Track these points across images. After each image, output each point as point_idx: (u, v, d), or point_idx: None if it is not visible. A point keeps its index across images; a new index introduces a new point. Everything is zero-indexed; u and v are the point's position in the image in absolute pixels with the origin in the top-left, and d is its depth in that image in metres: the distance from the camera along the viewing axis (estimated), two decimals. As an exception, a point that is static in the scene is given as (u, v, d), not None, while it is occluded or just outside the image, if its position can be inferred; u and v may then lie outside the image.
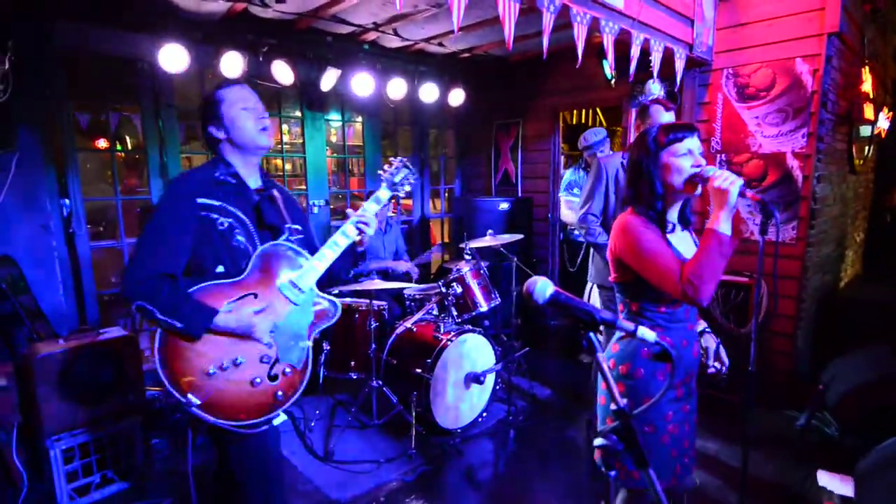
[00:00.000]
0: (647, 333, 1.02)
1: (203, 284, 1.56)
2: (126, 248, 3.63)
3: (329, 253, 1.71)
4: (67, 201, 3.29)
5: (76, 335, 2.73)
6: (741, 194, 1.48)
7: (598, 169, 2.98)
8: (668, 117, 2.76)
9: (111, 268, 3.96)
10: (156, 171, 3.68)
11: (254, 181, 1.75)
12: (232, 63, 3.36)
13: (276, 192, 1.78)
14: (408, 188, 1.92)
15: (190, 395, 1.50)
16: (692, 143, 1.56)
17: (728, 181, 1.46)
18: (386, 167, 1.88)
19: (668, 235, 1.60)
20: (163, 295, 1.48)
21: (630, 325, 1.02)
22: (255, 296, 1.61)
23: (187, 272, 1.59)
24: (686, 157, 1.55)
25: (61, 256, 3.27)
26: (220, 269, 1.60)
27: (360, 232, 1.76)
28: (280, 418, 1.69)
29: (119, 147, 4.76)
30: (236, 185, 1.67)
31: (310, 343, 1.73)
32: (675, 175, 1.55)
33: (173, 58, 3.12)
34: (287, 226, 1.73)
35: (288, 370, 1.66)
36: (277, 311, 1.64)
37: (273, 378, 1.63)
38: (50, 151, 3.20)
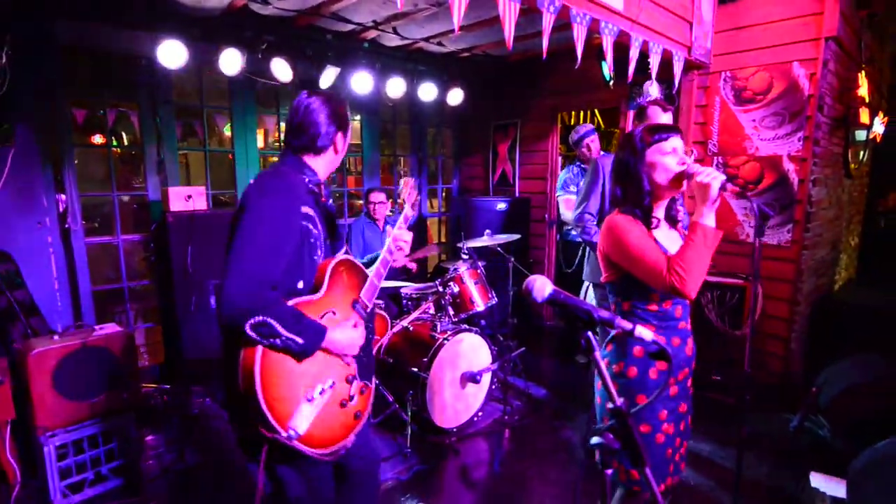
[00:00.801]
0: (644, 332, 1.02)
1: (292, 301, 1.42)
2: (122, 244, 3.62)
3: (383, 270, 1.66)
4: (64, 197, 3.28)
5: (71, 331, 2.72)
6: (723, 188, 1.53)
7: (595, 168, 3.00)
8: (665, 118, 2.77)
9: (107, 264, 3.95)
10: (152, 168, 3.66)
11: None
12: (231, 60, 3.36)
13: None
14: (414, 199, 1.92)
15: (291, 427, 1.35)
16: (676, 142, 1.62)
17: (710, 176, 1.52)
18: (401, 189, 1.89)
19: (655, 231, 1.64)
20: (282, 308, 1.32)
21: (628, 325, 1.03)
22: (334, 313, 1.52)
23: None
24: (671, 155, 1.60)
25: (57, 252, 3.26)
26: (301, 284, 1.48)
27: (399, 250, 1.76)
28: (350, 440, 1.58)
29: (115, 143, 4.75)
30: (317, 195, 1.56)
31: (373, 359, 1.69)
32: (661, 173, 1.61)
33: (172, 54, 3.11)
34: (342, 234, 1.70)
35: (363, 389, 1.60)
36: (352, 327, 1.56)
37: (351, 398, 1.56)
38: (46, 147, 3.19)
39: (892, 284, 4.61)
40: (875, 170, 5.60)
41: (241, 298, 1.27)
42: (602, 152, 3.97)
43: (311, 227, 1.48)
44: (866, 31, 4.07)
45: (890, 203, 5.65)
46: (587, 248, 3.13)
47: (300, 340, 1.33)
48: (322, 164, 1.60)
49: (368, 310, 1.62)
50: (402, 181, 1.90)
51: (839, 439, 2.95)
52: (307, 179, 1.53)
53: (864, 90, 3.94)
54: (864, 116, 3.98)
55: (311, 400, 1.41)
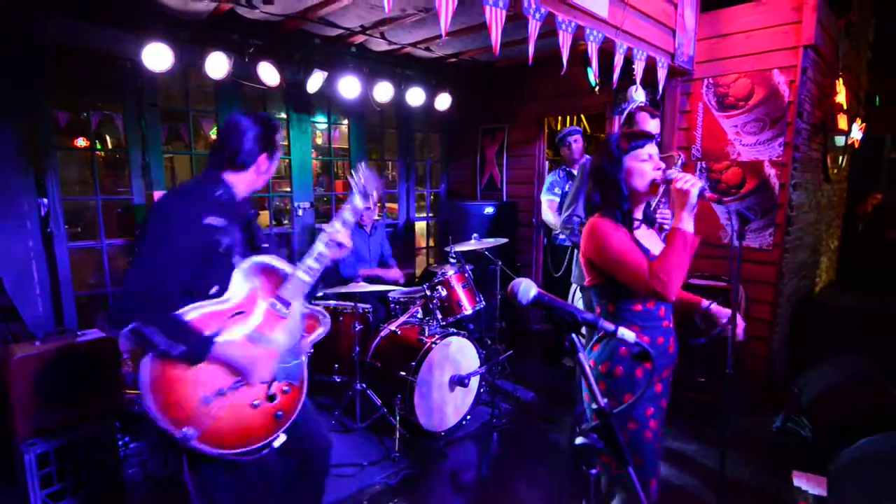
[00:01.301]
0: (626, 334, 1.04)
1: (196, 305, 1.48)
2: (106, 249, 3.57)
3: (315, 265, 1.65)
4: (45, 200, 3.23)
5: (53, 337, 2.67)
6: (701, 195, 1.57)
7: (583, 172, 3.03)
8: (654, 124, 2.83)
9: (90, 269, 3.89)
10: (137, 172, 3.63)
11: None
12: (217, 63, 3.34)
13: (254, 213, 1.78)
14: (376, 195, 1.89)
15: (186, 429, 1.40)
16: (651, 149, 1.67)
17: (689, 183, 1.56)
18: (357, 174, 1.82)
19: (636, 232, 1.68)
20: (163, 318, 1.39)
21: (610, 326, 1.05)
22: (244, 313, 1.56)
23: (181, 294, 1.51)
24: (647, 162, 1.65)
25: (38, 257, 3.21)
26: (215, 289, 1.54)
27: (339, 246, 1.70)
28: (280, 439, 1.62)
29: (99, 146, 4.69)
30: (232, 206, 1.63)
31: (304, 358, 1.69)
32: (638, 178, 1.65)
33: (157, 57, 3.09)
34: (266, 245, 1.73)
35: (286, 388, 1.61)
36: (269, 327, 1.59)
37: (271, 398, 1.57)
38: (27, 149, 3.14)
39: (870, 286, 4.72)
40: (853, 175, 5.74)
41: (126, 306, 1.37)
42: (588, 156, 4.01)
43: (218, 237, 1.53)
44: (843, 40, 4.18)
45: (868, 208, 5.78)
46: (575, 252, 3.16)
47: (178, 350, 1.38)
48: (242, 182, 1.65)
49: (291, 307, 1.62)
50: (359, 168, 1.81)
51: (821, 439, 3.00)
52: (218, 192, 1.59)
53: (841, 97, 4.04)
54: (843, 122, 4.08)
55: (208, 402, 1.44)
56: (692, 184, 1.56)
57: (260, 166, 1.65)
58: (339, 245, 1.68)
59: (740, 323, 1.81)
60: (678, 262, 1.53)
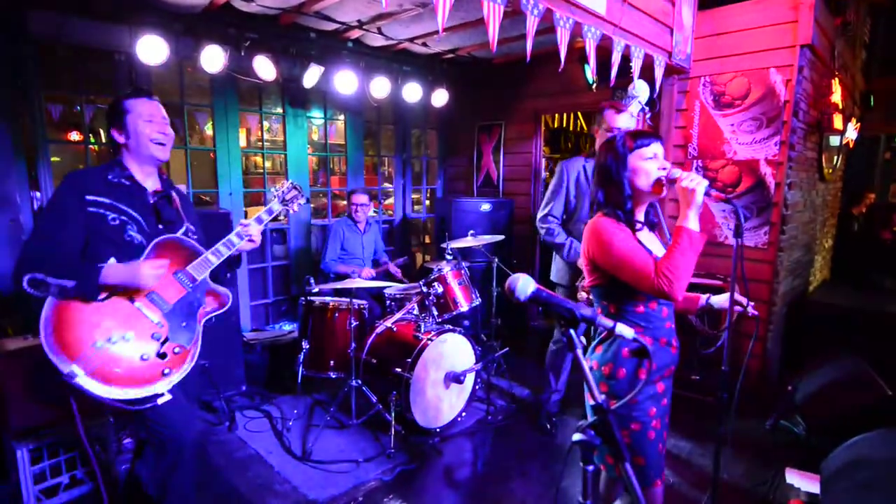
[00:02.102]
0: (625, 330, 1.04)
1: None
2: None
3: (223, 250, 1.87)
4: (38, 194, 3.20)
5: (46, 332, 2.65)
6: (707, 194, 1.56)
7: (560, 172, 3.09)
8: (623, 120, 2.88)
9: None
10: (132, 166, 3.59)
11: (151, 183, 1.87)
12: (213, 57, 3.31)
13: (174, 194, 1.93)
14: (296, 207, 2.13)
15: (74, 367, 1.53)
16: (657, 148, 1.65)
17: (695, 182, 1.55)
18: (278, 186, 2.08)
19: (638, 234, 1.67)
20: (51, 260, 1.58)
21: (609, 322, 1.04)
22: None
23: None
24: (652, 160, 1.63)
25: (31, 251, 3.17)
26: (112, 260, 1.68)
27: (251, 241, 1.93)
28: (165, 397, 1.73)
29: (93, 140, 4.65)
30: (130, 187, 1.79)
31: (198, 327, 1.85)
32: (643, 177, 1.64)
33: (152, 49, 3.06)
34: (185, 224, 1.89)
35: (177, 349, 1.76)
36: (169, 293, 1.77)
37: (162, 356, 1.72)
38: (20, 143, 3.10)
39: (864, 286, 4.75)
40: (848, 174, 5.77)
41: (23, 260, 1.57)
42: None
43: (104, 211, 1.70)
44: (839, 39, 4.19)
45: (863, 208, 5.81)
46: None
47: (70, 283, 1.55)
48: (128, 159, 1.81)
49: (196, 282, 1.83)
50: (286, 184, 2.11)
51: (814, 437, 3.02)
52: (110, 175, 1.76)
53: (837, 96, 4.05)
54: (838, 122, 4.09)
55: (98, 348, 1.59)
56: (698, 182, 1.55)
57: (117, 140, 1.79)
58: (250, 239, 1.92)
59: (745, 300, 1.83)
60: (684, 261, 1.52)
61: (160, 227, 1.83)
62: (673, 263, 1.51)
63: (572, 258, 2.99)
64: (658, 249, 1.70)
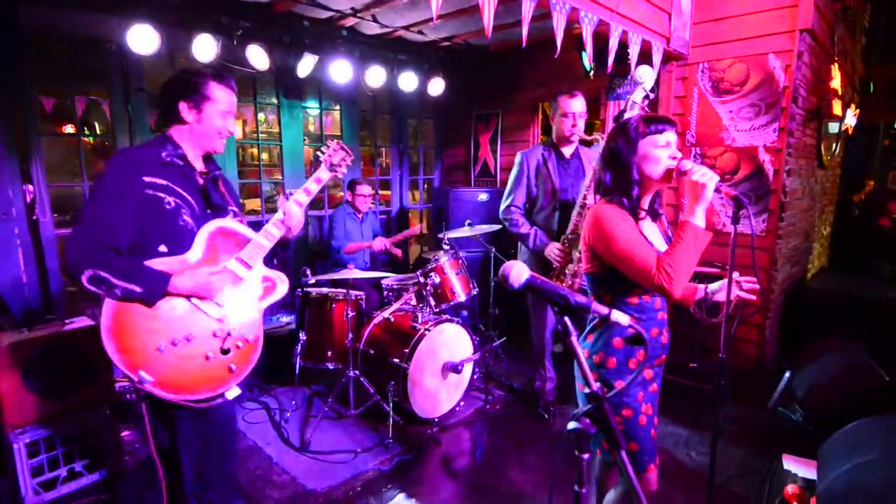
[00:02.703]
0: (620, 317, 1.03)
1: (151, 260, 1.56)
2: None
3: (274, 231, 1.76)
4: (31, 187, 3.17)
5: (41, 325, 2.65)
6: (716, 190, 1.52)
7: (520, 162, 3.11)
8: (577, 105, 2.94)
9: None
10: (125, 157, 3.56)
11: (198, 164, 1.77)
12: (205, 46, 3.26)
13: (219, 175, 1.83)
14: (345, 170, 1.96)
15: (142, 373, 1.49)
16: (670, 136, 1.60)
17: (706, 176, 1.50)
18: (324, 149, 1.92)
19: (641, 223, 1.63)
20: (116, 261, 1.48)
21: (604, 309, 1.03)
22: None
23: (130, 252, 1.58)
24: (664, 148, 1.59)
25: (25, 244, 3.16)
26: (163, 248, 1.61)
27: (299, 205, 1.82)
28: (233, 391, 1.69)
29: (87, 132, 4.61)
30: (183, 167, 1.68)
31: (258, 316, 1.77)
32: (653, 165, 1.59)
33: (143, 39, 3.01)
34: (230, 208, 1.80)
35: (241, 343, 1.69)
36: (227, 286, 1.67)
37: (226, 352, 1.66)
38: (11, 136, 3.07)
39: (862, 272, 4.75)
40: (847, 162, 5.75)
41: (75, 256, 1.44)
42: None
43: (161, 194, 1.58)
44: (839, 25, 4.15)
45: (862, 195, 5.80)
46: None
47: (138, 289, 1.47)
48: (183, 137, 1.70)
49: (251, 269, 1.72)
50: (331, 144, 1.93)
51: (811, 423, 3.03)
52: (164, 153, 1.63)
53: (836, 82, 4.02)
54: (837, 108, 4.06)
55: (162, 351, 1.53)
56: (709, 177, 1.50)
57: (183, 115, 1.67)
58: (299, 204, 1.81)
59: (751, 286, 1.83)
60: (687, 257, 1.49)
61: (208, 211, 1.73)
62: (675, 259, 1.48)
63: (538, 247, 3.00)
64: (658, 241, 1.68)
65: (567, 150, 3.09)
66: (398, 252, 4.33)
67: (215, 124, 1.70)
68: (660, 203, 1.75)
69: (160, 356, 1.53)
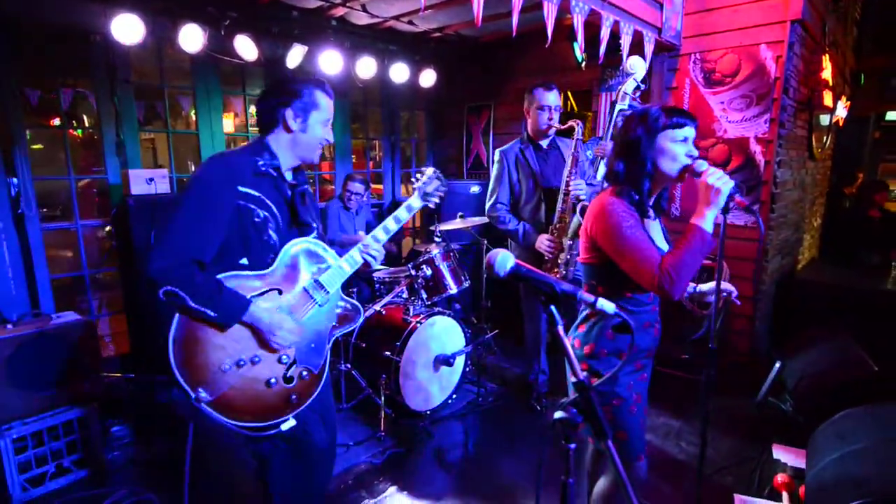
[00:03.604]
0: (606, 305, 1.02)
1: (229, 274, 1.50)
2: (81, 230, 3.47)
3: (357, 257, 1.69)
4: (15, 180, 3.12)
5: (27, 320, 2.62)
6: (731, 197, 1.47)
7: (500, 160, 3.12)
8: (553, 97, 2.90)
9: (67, 251, 3.79)
10: (112, 150, 3.51)
11: (289, 175, 1.68)
12: (192, 36, 3.21)
13: (307, 189, 1.73)
14: (437, 200, 1.90)
15: (201, 390, 1.44)
16: (690, 131, 1.54)
17: (721, 181, 1.45)
18: (419, 176, 1.87)
19: (652, 222, 1.60)
20: (197, 281, 1.41)
21: (590, 297, 1.02)
22: (280, 292, 1.57)
23: (210, 262, 1.51)
24: (682, 143, 1.53)
25: (10, 238, 3.11)
26: (244, 261, 1.54)
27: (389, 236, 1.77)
28: (289, 423, 1.60)
29: (76, 125, 4.54)
30: (276, 178, 1.60)
31: (328, 345, 1.68)
32: (669, 160, 1.53)
33: (128, 29, 2.96)
34: (315, 225, 1.71)
35: (305, 373, 1.62)
36: (301, 310, 1.60)
37: (289, 380, 1.58)
38: (-4, 128, 3.02)
39: (853, 264, 4.77)
40: (837, 153, 5.77)
41: (157, 270, 1.39)
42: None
43: (253, 206, 1.51)
44: (830, 16, 4.14)
45: (854, 188, 5.82)
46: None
47: (212, 313, 1.42)
48: (281, 146, 1.61)
49: (328, 294, 1.63)
50: (427, 172, 1.89)
51: (801, 413, 3.05)
52: (260, 162, 1.55)
53: (827, 73, 4.02)
54: (828, 99, 4.07)
55: (226, 371, 1.47)
56: (724, 182, 1.45)
57: (287, 122, 1.59)
58: (386, 233, 1.75)
59: (733, 289, 1.79)
60: (691, 262, 1.44)
61: (293, 228, 1.63)
62: (680, 261, 1.43)
63: (530, 242, 2.99)
64: (659, 238, 1.65)
65: (544, 142, 3.08)
66: (392, 247, 4.31)
67: (318, 133, 1.63)
68: (667, 198, 1.69)
69: (222, 375, 1.48)
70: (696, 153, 1.54)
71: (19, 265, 3.17)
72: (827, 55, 4.05)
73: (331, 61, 3.80)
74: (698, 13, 3.65)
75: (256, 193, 1.52)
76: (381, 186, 5.51)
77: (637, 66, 3.34)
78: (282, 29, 3.67)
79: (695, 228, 1.47)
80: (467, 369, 3.49)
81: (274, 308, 1.54)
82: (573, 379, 1.00)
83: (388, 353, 3.02)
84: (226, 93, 4.14)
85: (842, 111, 5.01)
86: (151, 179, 3.29)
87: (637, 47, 3.24)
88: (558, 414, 0.98)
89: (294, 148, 1.62)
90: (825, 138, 4.74)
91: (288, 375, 1.57)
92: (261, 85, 4.38)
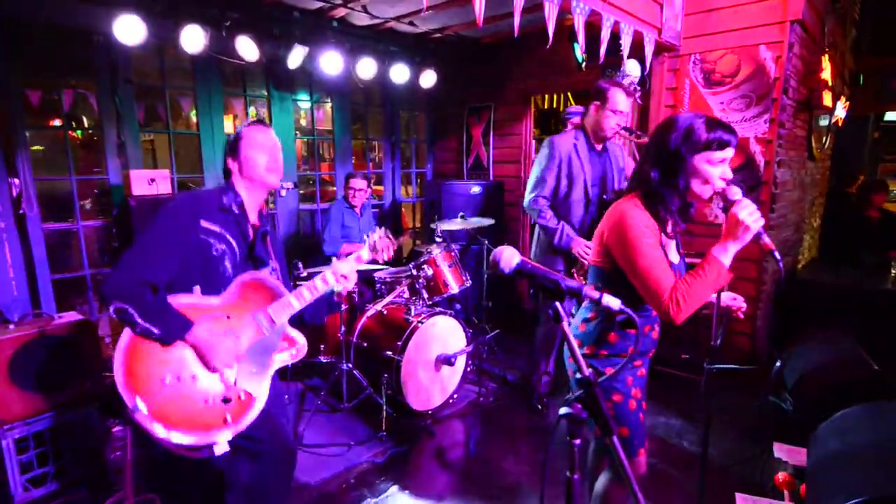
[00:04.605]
0: (611, 301, 1.02)
1: (180, 297, 1.59)
2: (82, 231, 3.48)
3: (307, 293, 1.76)
4: (17, 181, 3.12)
5: (28, 320, 2.61)
6: (758, 235, 1.41)
7: (551, 149, 2.88)
8: (629, 103, 2.76)
9: (69, 251, 3.79)
10: (113, 151, 3.52)
11: (252, 216, 1.80)
12: (193, 37, 3.22)
13: (269, 232, 1.85)
14: (385, 257, 1.93)
15: (138, 400, 1.48)
16: (730, 152, 1.46)
17: (753, 217, 1.39)
18: (370, 234, 1.91)
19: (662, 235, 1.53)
20: (146, 300, 1.51)
21: (595, 294, 1.03)
22: (228, 317, 1.65)
23: (164, 286, 1.60)
24: (720, 165, 1.44)
25: (11, 238, 3.12)
26: (197, 289, 1.63)
27: (341, 283, 1.81)
28: (221, 447, 1.60)
29: (75, 127, 4.54)
30: (238, 216, 1.73)
31: (268, 373, 1.74)
32: (701, 183, 1.45)
33: (130, 30, 2.97)
34: (271, 263, 1.81)
35: (243, 395, 1.67)
36: (245, 337, 1.67)
37: (226, 401, 1.63)
38: (-3, 129, 3.02)
39: (853, 264, 4.78)
40: (837, 154, 5.78)
41: (111, 287, 1.49)
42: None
43: (213, 241, 1.63)
44: (830, 16, 4.16)
45: (854, 188, 5.83)
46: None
47: (156, 331, 1.50)
48: (241, 188, 1.76)
49: (275, 326, 1.72)
50: (378, 235, 1.90)
51: (802, 412, 3.05)
52: (224, 199, 1.71)
53: (827, 73, 4.03)
54: (827, 99, 4.08)
55: (166, 384, 1.53)
56: (756, 220, 1.38)
57: (230, 167, 1.76)
58: (345, 279, 1.81)
59: (740, 304, 1.78)
60: (703, 292, 1.40)
61: (248, 262, 1.75)
62: (692, 291, 1.39)
63: (564, 245, 2.83)
64: (672, 253, 1.60)
65: (599, 145, 2.92)
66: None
67: (257, 160, 1.74)
68: (693, 212, 1.58)
69: (161, 388, 1.53)
70: (730, 175, 1.46)
71: (21, 265, 3.17)
72: (826, 55, 4.07)
73: (331, 62, 3.81)
74: (698, 14, 3.66)
75: (218, 229, 1.65)
76: (381, 187, 5.51)
77: (631, 69, 3.36)
78: (283, 30, 3.68)
79: (715, 262, 1.41)
80: (468, 369, 3.49)
81: (219, 331, 1.61)
82: (578, 375, 1.00)
83: (389, 352, 3.02)
84: (227, 94, 4.15)
85: (841, 111, 5.02)
86: (153, 180, 3.30)
87: (637, 47, 3.26)
88: (564, 410, 0.99)
89: (245, 181, 1.75)
90: (824, 139, 4.76)
91: (226, 397, 1.63)
92: (262, 86, 4.38)
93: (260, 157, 1.74)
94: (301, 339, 1.82)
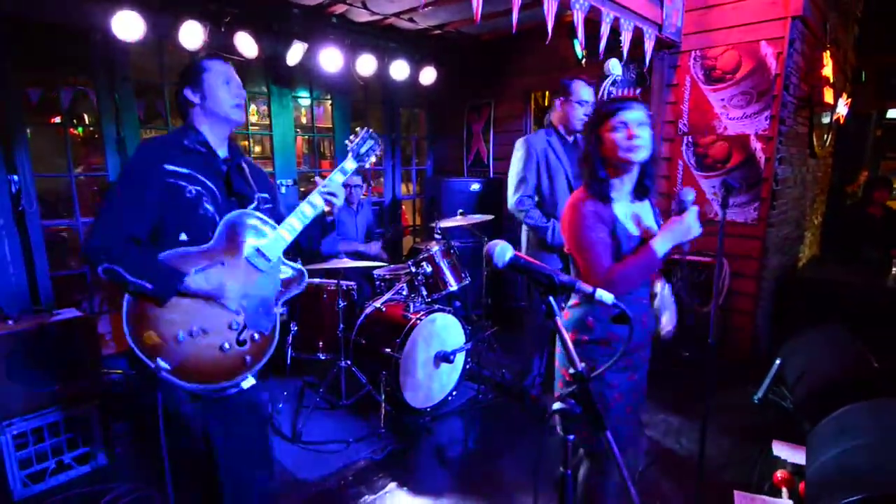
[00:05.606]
0: (604, 295, 1.02)
1: (170, 251, 1.55)
2: (82, 227, 3.48)
3: (296, 222, 1.73)
4: (16, 177, 3.13)
5: (27, 316, 2.62)
6: (691, 242, 1.62)
7: (527, 148, 2.92)
8: (591, 93, 2.81)
9: (67, 247, 3.80)
10: (112, 147, 3.52)
11: (222, 151, 1.74)
12: (192, 33, 3.21)
13: (243, 163, 1.79)
14: (373, 159, 1.93)
15: (160, 361, 1.51)
16: (629, 115, 1.56)
17: (697, 224, 1.60)
18: (352, 137, 1.88)
19: (615, 206, 1.62)
20: (132, 256, 1.48)
21: (588, 288, 1.02)
22: (223, 264, 1.63)
23: (150, 239, 1.58)
24: (617, 130, 1.57)
25: (10, 235, 3.12)
26: (184, 236, 1.60)
27: (329, 202, 1.78)
28: (249, 381, 1.70)
29: (75, 123, 4.54)
30: (205, 154, 1.66)
31: (278, 310, 1.75)
32: (609, 148, 1.59)
33: (128, 26, 2.96)
34: (256, 195, 1.75)
35: (256, 336, 1.69)
36: (245, 278, 1.66)
37: (242, 343, 1.66)
38: (-4, 125, 3.02)
39: (854, 261, 4.77)
40: (839, 151, 5.75)
41: (92, 248, 1.46)
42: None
43: (183, 183, 1.58)
44: (832, 12, 4.13)
45: (856, 186, 5.81)
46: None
47: (149, 286, 1.47)
48: (200, 121, 1.69)
49: (270, 261, 1.69)
50: (360, 133, 1.88)
51: (801, 409, 3.05)
52: (186, 141, 1.64)
53: (828, 70, 4.01)
54: (829, 96, 4.06)
55: (181, 341, 1.55)
56: (698, 227, 1.60)
57: (190, 99, 1.67)
58: (333, 195, 1.77)
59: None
60: (635, 277, 1.55)
61: (231, 199, 1.70)
62: (624, 275, 1.54)
63: (558, 242, 2.82)
64: (649, 219, 1.68)
65: (570, 137, 2.95)
66: (383, 254, 4.29)
67: (219, 92, 1.67)
68: (652, 176, 1.68)
69: (178, 345, 1.55)
70: (637, 132, 1.55)
71: (20, 262, 3.17)
72: (828, 52, 4.05)
73: (331, 58, 3.80)
74: (699, 10, 3.65)
75: (185, 170, 1.59)
76: (381, 186, 5.51)
77: (617, 68, 3.35)
78: (282, 26, 3.67)
79: (650, 251, 1.56)
80: (467, 366, 3.49)
81: (217, 276, 1.60)
82: (571, 370, 0.99)
83: (388, 349, 3.02)
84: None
85: (843, 108, 5.00)
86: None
87: (638, 43, 3.24)
88: (556, 405, 0.98)
89: (209, 117, 1.68)
90: (826, 136, 4.74)
91: (240, 339, 1.65)
92: (262, 83, 4.38)
93: (226, 92, 1.68)
94: (299, 268, 1.81)
